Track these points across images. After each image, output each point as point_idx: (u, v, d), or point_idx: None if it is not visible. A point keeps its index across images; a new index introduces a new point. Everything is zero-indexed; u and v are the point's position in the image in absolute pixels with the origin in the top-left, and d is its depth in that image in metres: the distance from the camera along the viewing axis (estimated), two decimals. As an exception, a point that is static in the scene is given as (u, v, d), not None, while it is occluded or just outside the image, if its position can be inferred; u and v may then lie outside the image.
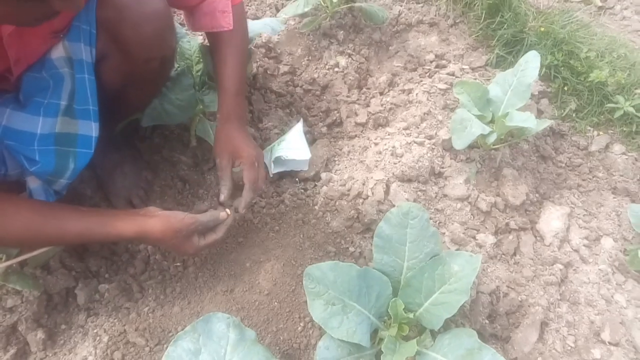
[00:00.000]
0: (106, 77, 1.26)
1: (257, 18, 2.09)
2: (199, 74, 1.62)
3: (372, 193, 1.51)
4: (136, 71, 1.29)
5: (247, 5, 2.11)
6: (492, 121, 1.71)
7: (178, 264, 1.44)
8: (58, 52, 1.16)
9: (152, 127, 1.67)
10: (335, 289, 1.19)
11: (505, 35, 1.96)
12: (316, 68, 1.99)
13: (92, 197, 1.57)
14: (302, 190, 1.58)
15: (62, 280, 1.37)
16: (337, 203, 1.52)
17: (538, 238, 1.66)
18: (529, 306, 1.49)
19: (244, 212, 1.33)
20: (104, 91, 1.25)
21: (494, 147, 1.71)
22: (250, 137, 1.41)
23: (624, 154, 1.84)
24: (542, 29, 1.93)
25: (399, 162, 1.59)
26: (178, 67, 1.60)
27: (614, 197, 1.78)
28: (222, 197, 1.32)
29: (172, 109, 1.50)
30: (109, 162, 1.56)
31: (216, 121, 1.40)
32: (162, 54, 1.30)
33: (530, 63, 1.67)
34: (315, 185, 1.60)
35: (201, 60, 1.62)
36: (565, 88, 1.90)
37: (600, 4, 2.39)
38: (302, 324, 1.32)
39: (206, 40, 1.58)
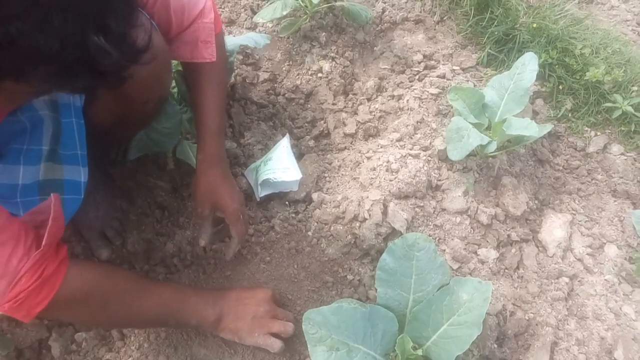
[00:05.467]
0: (95, 118, 1.13)
1: (231, 21, 1.95)
2: (175, 91, 1.48)
3: (369, 215, 1.40)
4: (130, 112, 1.17)
5: (221, 7, 1.96)
6: (488, 128, 1.62)
7: (162, 304, 1.32)
8: None
9: (124, 149, 1.52)
10: (339, 333, 1.09)
11: (496, 33, 1.86)
12: (298, 74, 1.86)
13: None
14: (293, 215, 1.46)
15: (34, 332, 1.24)
16: (332, 228, 1.41)
17: (540, 249, 1.59)
18: (537, 325, 1.42)
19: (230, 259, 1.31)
20: (89, 129, 1.12)
21: (492, 154, 1.62)
22: (233, 182, 1.31)
23: (622, 154, 1.78)
24: (535, 25, 1.84)
25: (395, 178, 1.48)
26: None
27: (614, 201, 1.71)
28: (203, 243, 1.27)
29: (159, 138, 1.38)
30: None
31: (197, 162, 1.28)
32: (159, 94, 1.19)
33: (528, 66, 1.58)
34: (307, 208, 1.49)
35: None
36: (561, 87, 1.82)
37: (587, -7, 2.31)
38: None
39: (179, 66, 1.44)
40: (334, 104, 1.80)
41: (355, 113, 1.78)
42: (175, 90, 1.47)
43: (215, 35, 1.23)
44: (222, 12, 1.94)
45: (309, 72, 1.85)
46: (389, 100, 1.77)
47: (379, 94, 1.82)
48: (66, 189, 1.08)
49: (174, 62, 1.45)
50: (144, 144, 1.40)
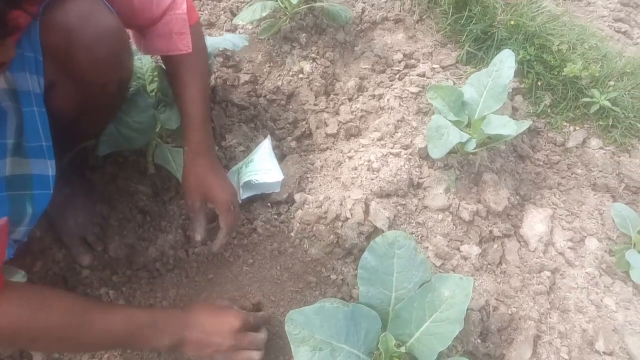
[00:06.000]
0: (56, 106, 1.10)
1: (211, 23, 1.94)
2: (154, 93, 1.47)
3: (351, 214, 1.41)
4: (90, 97, 1.14)
5: (200, 10, 1.95)
6: (468, 125, 1.63)
7: (145, 308, 1.31)
8: None
9: (104, 154, 1.51)
10: (321, 333, 1.09)
11: (475, 31, 1.88)
12: (279, 75, 1.86)
13: (42, 239, 1.41)
14: (276, 216, 1.47)
15: (14, 341, 1.22)
16: (314, 228, 1.41)
17: (522, 244, 1.61)
18: (519, 319, 1.44)
19: (217, 251, 1.29)
20: (53, 120, 1.09)
21: (472, 151, 1.63)
22: (222, 173, 1.30)
23: (601, 148, 1.80)
24: (512, 23, 1.85)
25: (376, 177, 1.49)
26: (132, 86, 1.44)
27: (594, 195, 1.74)
28: (199, 237, 1.25)
29: (130, 133, 1.34)
30: (58, 198, 1.38)
31: (184, 154, 1.27)
32: (119, 77, 1.16)
33: (505, 63, 1.60)
34: (289, 209, 1.49)
35: (155, 79, 1.46)
36: (539, 83, 1.84)
37: (564, -11, 2.33)
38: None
39: (160, 61, 1.43)
40: (315, 105, 1.80)
41: (337, 113, 1.79)
42: (154, 87, 1.45)
43: (190, 26, 1.22)
44: (202, 14, 1.94)
45: (290, 73, 1.85)
46: (369, 99, 1.78)
47: (360, 93, 1.83)
48: (35, 185, 1.04)
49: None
50: (114, 140, 1.35)
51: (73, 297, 1.10)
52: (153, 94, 1.49)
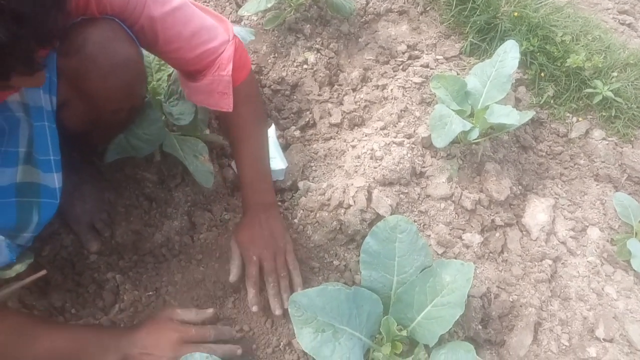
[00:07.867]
0: (67, 123, 1.13)
1: (216, 15, 1.96)
2: (160, 82, 1.49)
3: (354, 202, 1.43)
4: (101, 119, 1.16)
5: (206, 2, 1.97)
6: (471, 115, 1.64)
7: (150, 292, 1.34)
8: (13, 96, 1.01)
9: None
10: (324, 315, 1.11)
11: (478, 22, 1.89)
12: (284, 66, 1.87)
13: (51, 224, 1.43)
14: (280, 203, 1.49)
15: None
16: (317, 215, 1.43)
17: (524, 233, 1.62)
18: (521, 306, 1.45)
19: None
20: (63, 131, 1.12)
21: (475, 141, 1.64)
22: (265, 225, 1.32)
23: (604, 139, 1.81)
24: (516, 14, 1.86)
25: (379, 165, 1.50)
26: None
27: (597, 185, 1.75)
28: (231, 277, 1.30)
29: (138, 144, 1.36)
30: (67, 185, 1.42)
31: None
32: (131, 104, 1.18)
33: (509, 53, 1.61)
34: (293, 196, 1.51)
35: (162, 67, 1.48)
36: (542, 74, 1.85)
37: (568, -18, 2.34)
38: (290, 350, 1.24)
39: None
40: (319, 95, 1.82)
41: (341, 103, 1.80)
42: (161, 75, 1.47)
43: (237, 86, 1.22)
44: (207, 6, 1.95)
45: (295, 64, 1.87)
46: (373, 90, 1.79)
47: (363, 84, 1.84)
48: (42, 193, 1.08)
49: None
50: (122, 148, 1.38)
51: (19, 315, 1.10)
52: (159, 83, 1.51)
